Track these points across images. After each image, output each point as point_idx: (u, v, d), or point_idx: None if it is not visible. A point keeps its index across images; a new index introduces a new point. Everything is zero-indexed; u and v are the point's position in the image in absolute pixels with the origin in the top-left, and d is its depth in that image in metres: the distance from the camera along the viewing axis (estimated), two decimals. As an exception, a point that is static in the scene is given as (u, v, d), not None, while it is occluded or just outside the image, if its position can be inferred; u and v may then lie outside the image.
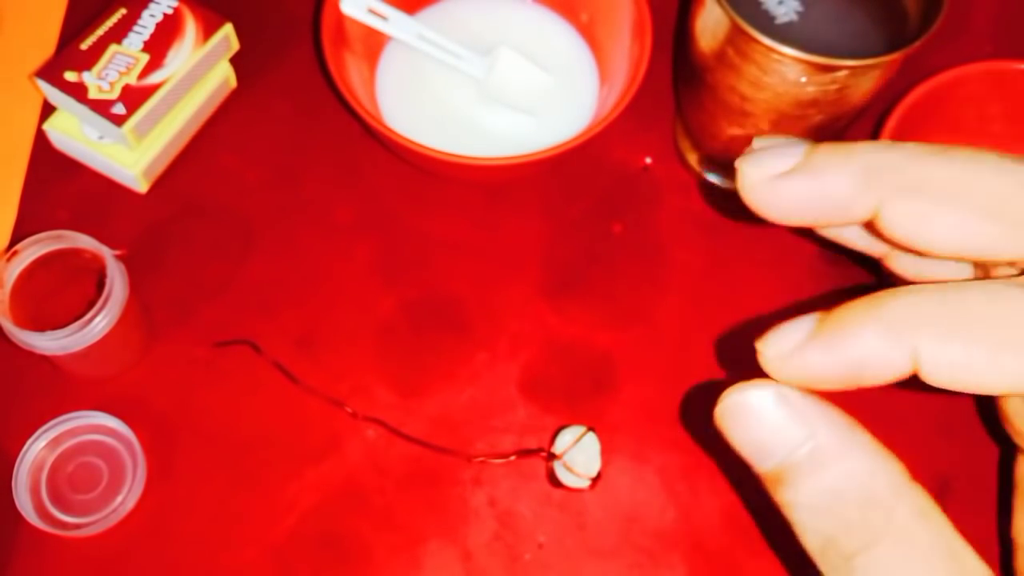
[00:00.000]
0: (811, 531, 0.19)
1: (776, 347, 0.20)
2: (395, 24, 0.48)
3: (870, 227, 0.20)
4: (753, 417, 0.20)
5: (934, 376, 0.18)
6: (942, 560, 0.18)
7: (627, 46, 0.47)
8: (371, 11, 0.48)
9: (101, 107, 0.45)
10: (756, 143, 0.22)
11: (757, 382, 0.20)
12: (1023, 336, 0.18)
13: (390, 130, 0.43)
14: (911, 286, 0.19)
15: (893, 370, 0.19)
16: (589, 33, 0.51)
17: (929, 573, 0.18)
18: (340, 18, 0.47)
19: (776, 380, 0.20)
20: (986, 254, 0.19)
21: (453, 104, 0.50)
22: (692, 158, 0.50)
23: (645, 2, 0.46)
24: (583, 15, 0.51)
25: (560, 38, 0.52)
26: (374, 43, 0.50)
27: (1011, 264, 0.20)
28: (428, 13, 0.52)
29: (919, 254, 0.20)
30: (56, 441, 0.42)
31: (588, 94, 0.50)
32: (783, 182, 0.20)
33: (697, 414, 0.44)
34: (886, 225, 0.20)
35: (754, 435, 0.20)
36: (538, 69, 0.50)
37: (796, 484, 0.19)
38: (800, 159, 0.20)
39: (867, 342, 0.18)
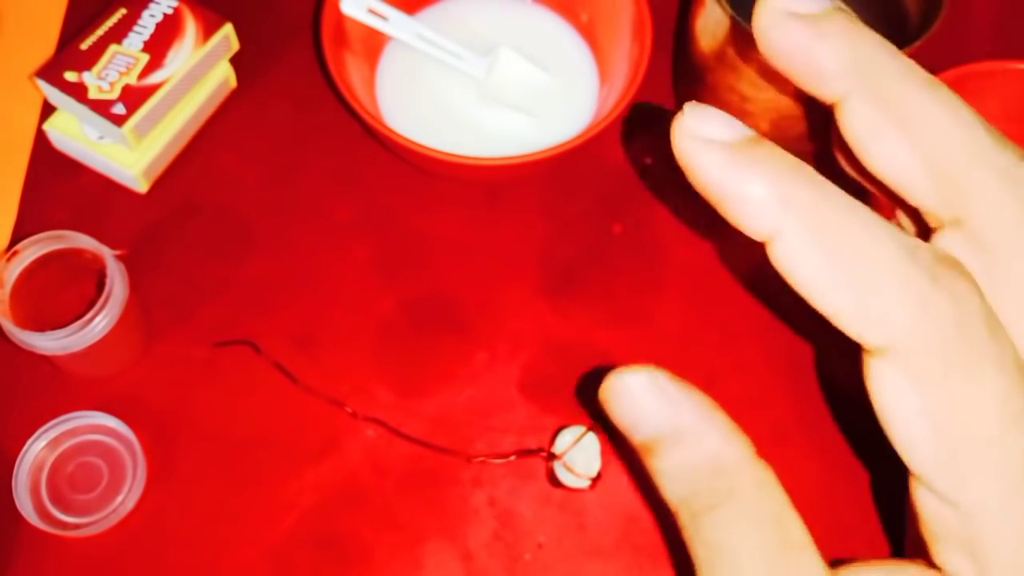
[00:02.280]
0: (670, 493, 0.22)
1: (703, 125, 0.21)
2: (395, 24, 0.49)
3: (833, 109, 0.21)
4: (629, 397, 0.23)
5: (779, 261, 0.20)
6: (770, 524, 0.21)
7: (627, 46, 0.47)
8: (371, 11, 0.48)
9: (101, 107, 0.45)
10: None
11: (634, 367, 0.23)
12: (873, 280, 0.19)
13: (390, 130, 0.43)
14: (827, 184, 0.20)
15: (756, 225, 0.20)
16: (589, 33, 0.51)
17: (757, 533, 0.21)
18: (340, 18, 0.47)
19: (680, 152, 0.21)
20: (904, 192, 0.21)
21: (453, 104, 0.50)
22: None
23: (645, 2, 0.46)
24: (583, 15, 0.51)
25: (560, 38, 0.52)
26: (374, 43, 0.50)
27: (916, 213, 0.21)
28: (428, 13, 0.52)
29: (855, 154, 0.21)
30: (56, 441, 0.42)
31: (588, 94, 0.50)
32: (791, 24, 0.21)
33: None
34: (843, 116, 0.21)
35: (629, 412, 0.23)
36: (538, 69, 0.50)
37: (660, 454, 0.22)
38: (819, 10, 0.21)
39: (752, 191, 0.20)
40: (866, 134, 0.20)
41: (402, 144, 0.42)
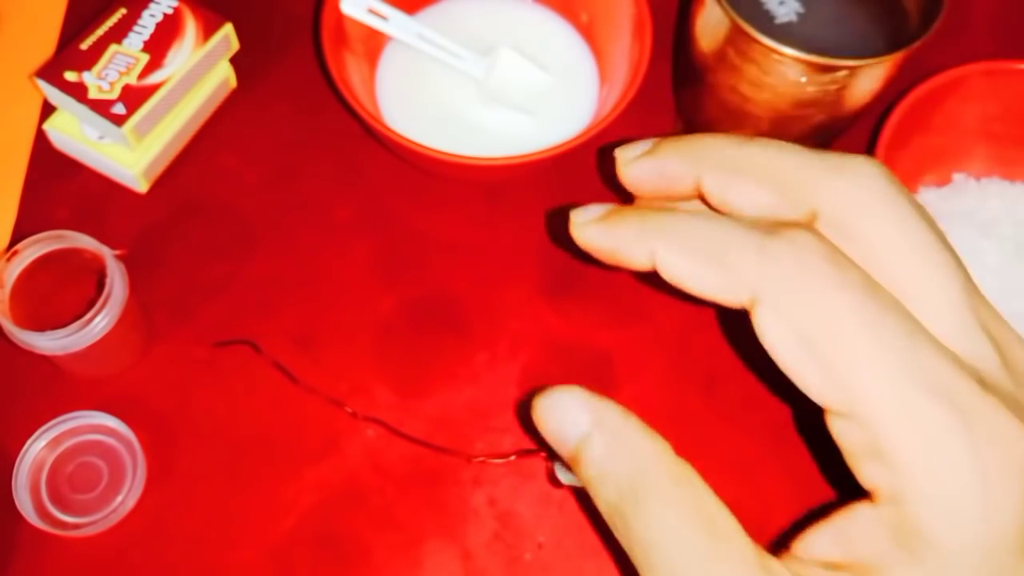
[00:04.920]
0: (602, 499, 0.25)
1: (579, 219, 0.28)
2: (395, 24, 0.48)
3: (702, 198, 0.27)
4: (557, 410, 0.26)
5: (665, 275, 0.25)
6: (695, 516, 0.23)
7: (627, 46, 0.47)
8: (371, 11, 0.48)
9: (101, 107, 0.45)
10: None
11: (560, 388, 0.26)
12: (724, 253, 0.24)
13: (390, 130, 0.43)
14: (675, 212, 0.26)
15: (638, 262, 0.26)
16: (589, 33, 0.51)
17: (684, 526, 0.23)
18: (340, 18, 0.47)
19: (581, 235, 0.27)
20: (767, 214, 0.25)
21: (453, 104, 0.50)
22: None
23: (645, 2, 0.46)
24: (583, 15, 0.51)
25: (560, 38, 0.52)
26: (374, 43, 0.50)
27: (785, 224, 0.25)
28: (428, 13, 0.52)
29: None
30: (56, 441, 0.42)
31: (588, 94, 0.50)
32: (638, 162, 0.28)
33: (697, 413, 0.44)
34: (706, 193, 0.26)
35: (556, 427, 0.26)
36: (538, 69, 0.50)
37: (586, 462, 0.25)
38: (650, 147, 0.28)
39: (623, 234, 0.26)
40: (725, 190, 0.26)
41: (402, 144, 0.42)
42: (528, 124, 0.49)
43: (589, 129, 0.43)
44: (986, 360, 0.23)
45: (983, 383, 0.22)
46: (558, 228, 0.49)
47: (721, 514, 0.24)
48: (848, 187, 0.24)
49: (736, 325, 0.46)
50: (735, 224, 0.24)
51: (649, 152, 0.28)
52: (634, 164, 0.28)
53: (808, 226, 0.24)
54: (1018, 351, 0.24)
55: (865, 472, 0.23)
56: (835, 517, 0.24)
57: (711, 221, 0.25)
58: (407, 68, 0.50)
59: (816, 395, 0.23)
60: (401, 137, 0.42)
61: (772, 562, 0.23)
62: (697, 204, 0.27)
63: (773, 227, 0.24)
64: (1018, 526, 0.22)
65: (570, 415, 0.26)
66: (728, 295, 0.24)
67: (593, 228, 0.27)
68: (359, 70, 0.48)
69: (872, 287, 0.23)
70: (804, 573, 0.23)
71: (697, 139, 0.27)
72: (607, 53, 0.50)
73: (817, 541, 0.24)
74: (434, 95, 0.50)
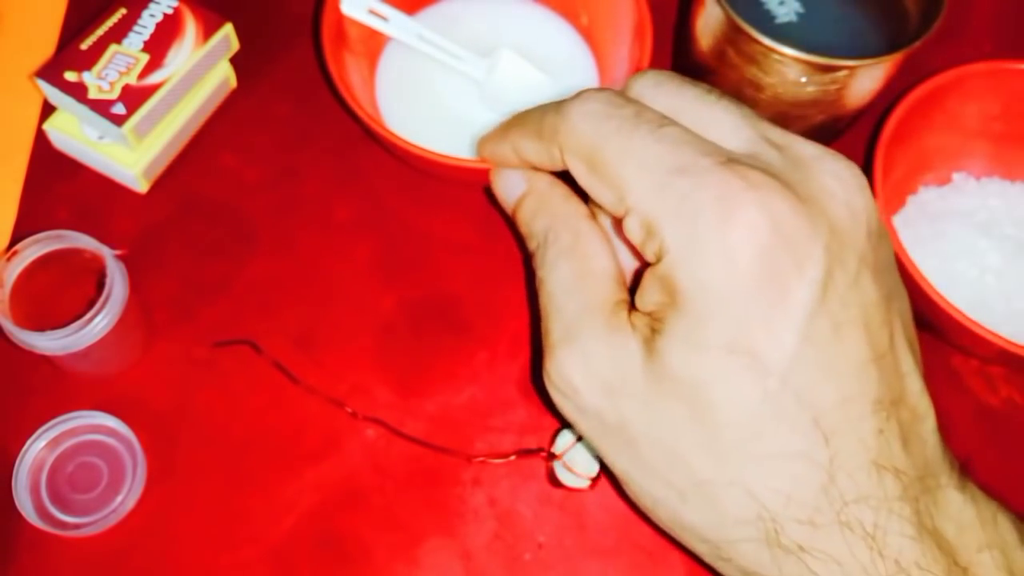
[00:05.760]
0: (528, 236, 0.33)
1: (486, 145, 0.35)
2: (395, 25, 0.48)
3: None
4: (503, 179, 0.34)
5: (519, 157, 0.33)
6: (577, 265, 0.30)
7: (627, 48, 0.47)
8: (371, 11, 0.48)
9: (101, 107, 0.45)
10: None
11: (506, 168, 0.34)
12: (540, 124, 0.31)
13: (390, 132, 0.43)
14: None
15: (509, 158, 0.34)
16: (589, 34, 0.51)
17: (566, 271, 0.31)
18: (340, 18, 0.47)
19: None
20: (538, 161, 0.32)
21: (453, 105, 0.50)
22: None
23: (645, 4, 0.46)
24: (583, 16, 0.51)
25: (560, 39, 0.52)
26: (374, 43, 0.50)
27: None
28: (428, 13, 0.51)
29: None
30: (56, 441, 0.42)
31: None
32: (484, 146, 0.35)
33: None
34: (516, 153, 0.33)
35: (502, 189, 0.34)
36: (538, 71, 0.50)
37: (518, 219, 0.33)
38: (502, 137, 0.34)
39: (493, 138, 0.35)
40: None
41: (402, 147, 0.42)
42: None
43: None
44: (765, 156, 0.27)
45: (731, 160, 0.26)
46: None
47: (602, 267, 0.30)
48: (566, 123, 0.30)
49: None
50: (541, 106, 0.31)
51: (488, 138, 0.35)
52: (485, 148, 0.35)
53: (603, 88, 0.30)
54: (799, 146, 0.28)
55: (646, 250, 0.27)
56: (643, 277, 0.28)
57: (541, 104, 0.32)
58: (407, 68, 0.50)
59: (608, 206, 0.28)
60: (401, 140, 0.42)
61: (622, 311, 0.29)
62: None
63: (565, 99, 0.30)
64: (752, 268, 0.25)
65: (512, 180, 0.34)
66: (548, 159, 0.31)
67: (483, 146, 0.35)
68: (359, 70, 0.48)
69: (635, 115, 0.28)
70: (636, 322, 0.28)
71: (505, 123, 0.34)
72: (607, 54, 0.50)
73: (639, 296, 0.29)
74: (434, 96, 0.50)
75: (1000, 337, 0.39)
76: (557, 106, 0.30)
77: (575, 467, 0.40)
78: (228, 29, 0.48)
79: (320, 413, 0.43)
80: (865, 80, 0.39)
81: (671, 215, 0.26)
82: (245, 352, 0.44)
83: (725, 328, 0.25)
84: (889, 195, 0.45)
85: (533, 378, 0.45)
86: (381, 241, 0.48)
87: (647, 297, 0.28)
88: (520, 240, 0.43)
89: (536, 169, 0.33)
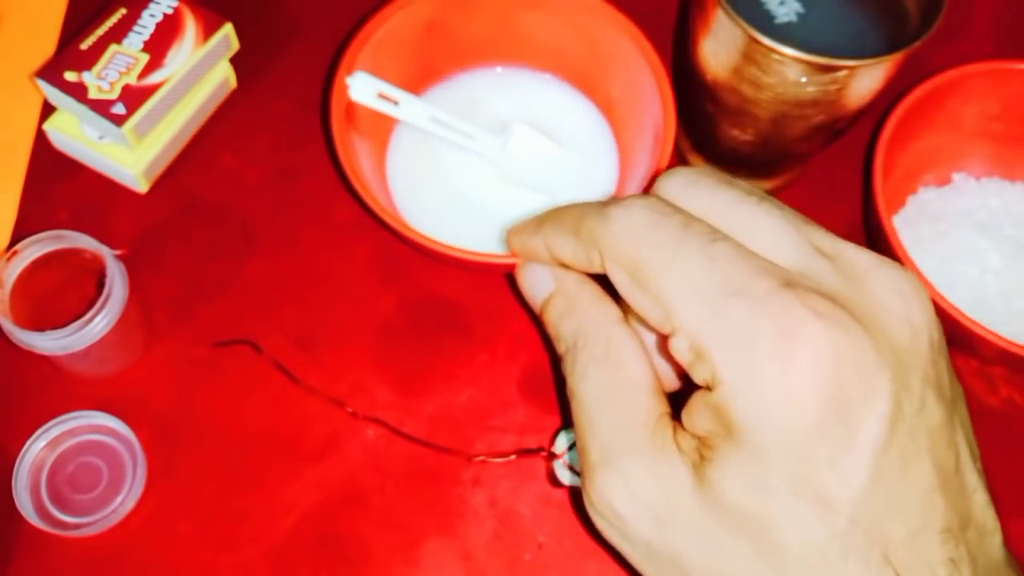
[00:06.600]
0: (556, 339, 0.31)
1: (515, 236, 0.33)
2: (406, 108, 0.46)
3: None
4: (530, 276, 0.32)
5: (554, 255, 0.31)
6: (613, 375, 0.28)
7: (648, 118, 0.45)
8: (381, 95, 0.45)
9: (101, 107, 0.45)
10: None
11: (535, 263, 0.32)
12: (578, 226, 0.29)
13: (407, 227, 0.41)
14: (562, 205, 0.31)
15: (542, 254, 0.32)
16: (607, 105, 0.49)
17: (602, 382, 0.28)
18: (349, 102, 0.44)
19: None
20: (573, 265, 0.30)
21: (467, 184, 0.48)
22: (693, 159, 0.50)
23: (665, 76, 0.44)
24: (601, 88, 0.49)
25: (576, 110, 0.50)
26: (384, 123, 0.48)
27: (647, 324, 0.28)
28: (440, 89, 0.50)
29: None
30: (56, 441, 0.42)
31: (607, 167, 0.49)
32: (516, 239, 0.33)
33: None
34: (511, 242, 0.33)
35: (529, 286, 0.33)
36: (553, 144, 0.48)
37: (546, 320, 0.32)
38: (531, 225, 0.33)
39: (526, 231, 0.33)
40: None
41: (418, 242, 0.40)
42: (546, 203, 0.47)
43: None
44: (819, 271, 0.25)
45: (789, 283, 0.24)
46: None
47: (638, 377, 0.28)
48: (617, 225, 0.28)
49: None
50: (593, 200, 0.29)
51: (519, 231, 0.33)
52: (514, 241, 0.33)
53: (647, 193, 0.28)
54: (852, 256, 0.26)
55: (695, 373, 0.26)
56: (691, 399, 0.27)
57: (579, 202, 0.30)
58: (418, 147, 0.49)
59: (653, 321, 0.26)
60: (418, 235, 0.40)
61: (665, 429, 0.27)
62: None
63: (607, 200, 0.28)
64: (816, 404, 0.23)
65: (540, 277, 0.32)
66: (586, 262, 0.29)
67: (513, 238, 0.33)
68: (369, 151, 0.46)
69: (683, 227, 0.26)
70: (682, 443, 0.26)
71: (541, 216, 0.32)
72: (626, 125, 0.48)
73: (686, 417, 0.27)
74: (447, 175, 0.48)
75: (1000, 337, 0.39)
76: (598, 209, 0.28)
77: (575, 467, 0.40)
78: (228, 29, 0.48)
79: (320, 413, 0.43)
80: (865, 80, 0.39)
81: (726, 343, 0.24)
82: (245, 352, 0.44)
83: (788, 467, 0.24)
84: (889, 195, 0.45)
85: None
86: (381, 241, 0.48)
87: (697, 422, 0.26)
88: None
89: (565, 267, 0.31)
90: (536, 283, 0.32)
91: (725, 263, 0.25)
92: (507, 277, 0.47)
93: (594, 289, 0.30)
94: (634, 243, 0.27)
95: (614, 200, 0.28)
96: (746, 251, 0.25)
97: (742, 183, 0.28)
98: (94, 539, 0.41)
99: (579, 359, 0.29)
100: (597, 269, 0.28)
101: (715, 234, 0.26)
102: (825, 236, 0.27)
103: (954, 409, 0.26)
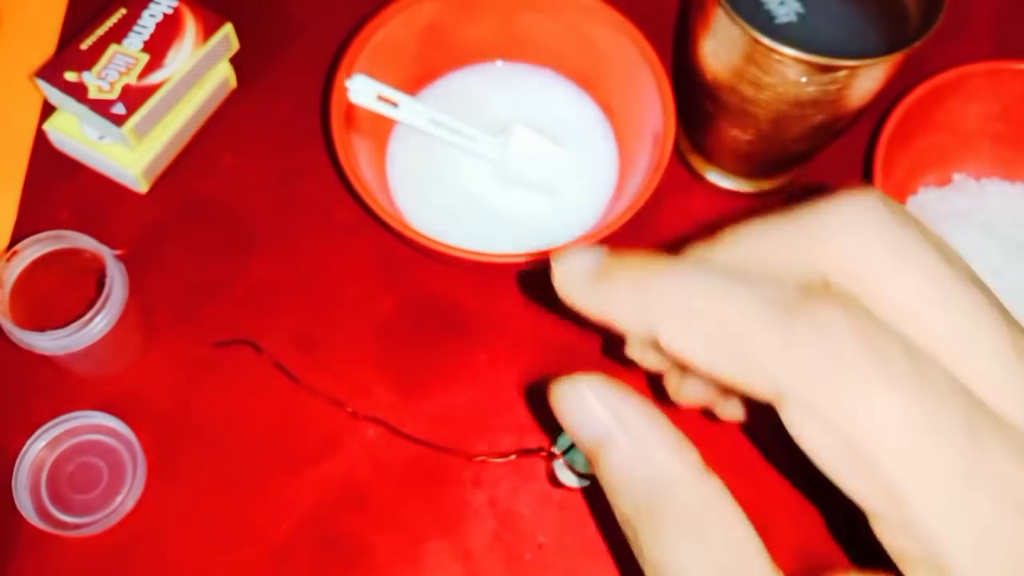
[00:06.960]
0: (616, 509, 0.22)
1: (565, 270, 0.23)
2: (405, 110, 0.46)
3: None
4: (574, 405, 0.23)
5: (669, 351, 0.21)
6: (717, 550, 0.20)
7: (648, 116, 0.45)
8: (380, 97, 0.45)
9: (101, 107, 0.45)
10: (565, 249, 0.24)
11: (581, 375, 0.23)
12: (738, 336, 0.20)
13: (408, 227, 0.41)
14: (678, 269, 0.22)
15: (637, 335, 0.22)
16: (606, 105, 0.49)
17: (702, 559, 0.20)
18: (348, 104, 0.44)
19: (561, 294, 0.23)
20: (722, 381, 0.21)
21: (468, 185, 0.48)
22: (693, 159, 0.50)
23: (665, 76, 0.44)
24: (601, 89, 0.49)
25: (575, 107, 0.50)
26: (384, 124, 0.48)
27: (739, 393, 0.21)
28: (439, 85, 0.50)
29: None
30: (56, 441, 0.42)
31: (607, 169, 0.48)
32: (580, 290, 0.23)
33: (695, 414, 0.44)
34: (662, 345, 0.22)
35: (573, 421, 0.23)
36: (553, 145, 0.48)
37: (602, 468, 0.22)
38: (597, 264, 0.23)
39: (620, 307, 0.22)
40: (679, 348, 0.21)
41: (419, 242, 0.41)
42: (546, 203, 0.47)
43: (612, 223, 0.41)
44: None
45: None
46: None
47: (748, 548, 0.21)
48: (841, 251, 0.22)
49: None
50: (752, 297, 0.20)
51: (596, 280, 0.23)
52: (575, 290, 0.23)
53: (836, 296, 0.20)
54: None
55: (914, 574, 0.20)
56: None
57: (725, 292, 0.21)
58: (418, 148, 0.49)
59: (866, 504, 0.20)
60: (419, 235, 0.41)
61: None
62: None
63: (798, 300, 0.20)
64: None
65: (589, 409, 0.23)
66: (748, 386, 0.20)
67: (579, 289, 0.23)
68: (368, 151, 0.46)
69: (918, 372, 0.19)
70: None
71: (645, 276, 0.22)
72: (626, 122, 0.48)
73: None
74: (447, 175, 0.48)
75: (1000, 337, 0.39)
76: (773, 314, 0.20)
77: (575, 467, 0.40)
78: (228, 29, 0.48)
79: (320, 413, 0.43)
80: (865, 80, 0.39)
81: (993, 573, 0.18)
82: (245, 352, 0.44)
83: None
84: (889, 195, 0.45)
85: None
86: (381, 242, 0.48)
87: None
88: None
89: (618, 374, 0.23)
90: (583, 416, 0.23)
91: (989, 451, 0.19)
92: (518, 276, 0.46)
93: (665, 426, 0.22)
94: (848, 393, 0.19)
95: (794, 301, 0.20)
96: (994, 428, 0.19)
97: (932, 235, 0.22)
98: (94, 539, 0.41)
99: (663, 529, 0.21)
100: (752, 395, 0.21)
101: (956, 392, 0.19)
102: None
103: None
